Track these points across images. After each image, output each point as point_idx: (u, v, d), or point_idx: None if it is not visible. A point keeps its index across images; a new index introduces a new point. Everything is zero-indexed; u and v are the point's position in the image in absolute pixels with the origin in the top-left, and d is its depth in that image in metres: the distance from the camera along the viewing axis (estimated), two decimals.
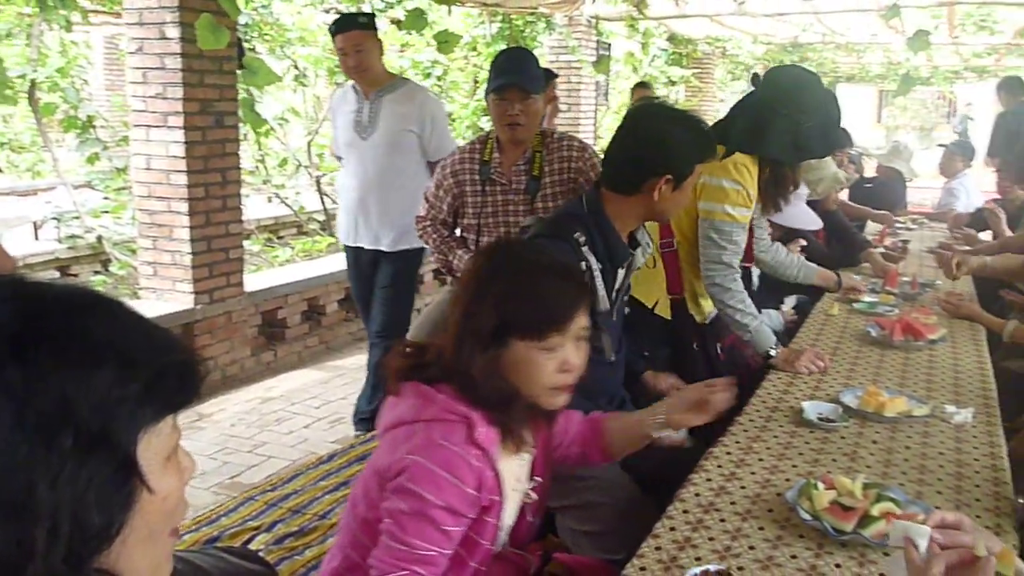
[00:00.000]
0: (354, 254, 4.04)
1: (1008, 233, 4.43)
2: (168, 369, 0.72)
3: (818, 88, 2.69)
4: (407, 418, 1.46)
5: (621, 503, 1.99)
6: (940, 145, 6.74)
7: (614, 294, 2.19)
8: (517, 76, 2.89)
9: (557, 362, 1.50)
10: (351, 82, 3.91)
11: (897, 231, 5.38)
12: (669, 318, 2.76)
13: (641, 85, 4.62)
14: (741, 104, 2.77)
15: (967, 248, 4.48)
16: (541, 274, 1.48)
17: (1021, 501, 2.12)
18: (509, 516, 1.57)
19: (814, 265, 3.50)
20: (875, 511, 1.61)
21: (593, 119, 9.49)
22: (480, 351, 1.45)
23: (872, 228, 5.44)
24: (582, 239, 2.09)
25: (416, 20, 3.76)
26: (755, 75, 2.79)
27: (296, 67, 8.10)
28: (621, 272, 2.20)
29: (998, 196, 5.18)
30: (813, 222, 3.80)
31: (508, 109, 2.90)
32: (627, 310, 2.38)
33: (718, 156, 2.51)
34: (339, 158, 4.15)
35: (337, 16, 3.92)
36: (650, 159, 2.11)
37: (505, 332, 1.45)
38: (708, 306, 2.78)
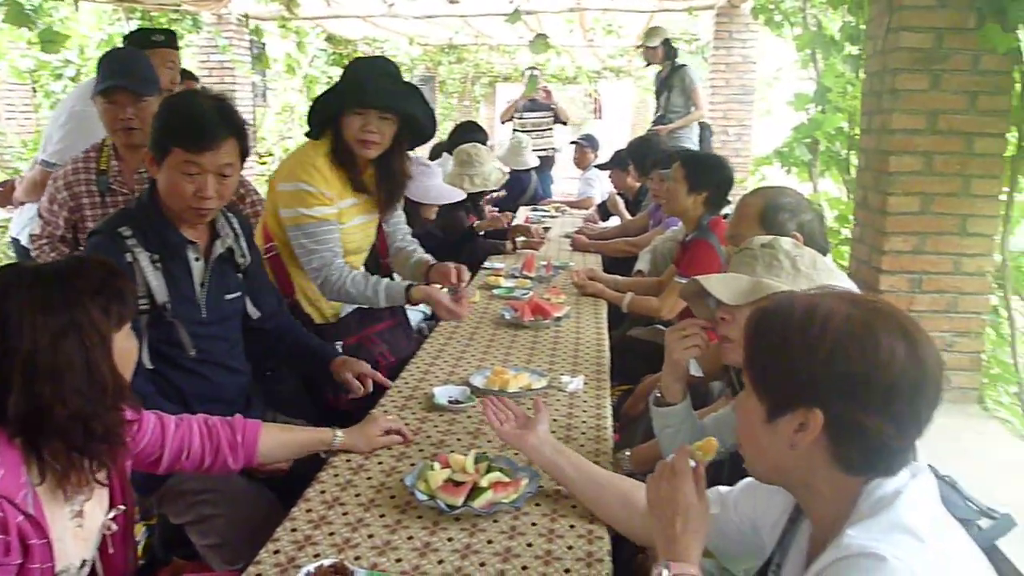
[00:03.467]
0: None
1: (628, 216, 4.96)
2: None
3: (361, 63, 2.76)
4: None
5: (245, 513, 1.94)
6: (572, 142, 7.36)
7: (199, 287, 2.13)
8: (125, 78, 2.72)
9: (133, 340, 1.52)
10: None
11: (542, 219, 5.81)
12: None
13: (187, 75, 4.57)
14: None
15: (597, 235, 4.95)
16: (96, 265, 1.46)
17: (627, 454, 2.39)
18: (73, 556, 1.46)
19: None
20: (484, 482, 1.72)
21: (252, 120, 9.21)
22: (105, 360, 1.39)
23: (521, 214, 5.84)
24: (127, 233, 2.03)
25: (18, 15, 3.39)
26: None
27: None
28: (198, 264, 2.14)
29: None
30: (453, 194, 4.00)
31: (119, 113, 2.73)
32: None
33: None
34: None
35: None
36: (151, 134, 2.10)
37: (109, 330, 1.41)
38: (328, 307, 2.79)
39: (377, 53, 12.39)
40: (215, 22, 8.53)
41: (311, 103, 2.69)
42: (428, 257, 2.91)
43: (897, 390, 1.09)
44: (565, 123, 8.15)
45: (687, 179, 3.34)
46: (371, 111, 2.54)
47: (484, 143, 5.38)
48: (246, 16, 8.43)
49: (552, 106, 8.07)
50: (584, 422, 2.21)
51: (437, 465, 1.78)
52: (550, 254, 4.55)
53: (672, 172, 3.46)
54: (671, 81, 6.43)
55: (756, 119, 8.31)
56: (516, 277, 3.85)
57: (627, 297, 3.52)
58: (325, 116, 2.61)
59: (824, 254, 2.28)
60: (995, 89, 3.28)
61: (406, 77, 11.30)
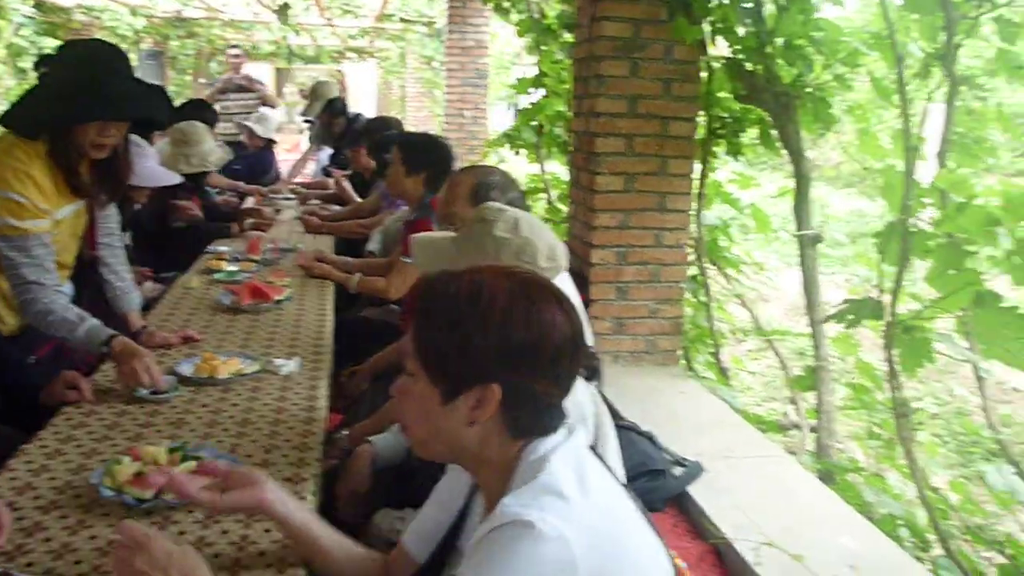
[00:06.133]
0: None
1: (356, 199, 4.96)
2: None
3: (79, 49, 2.44)
4: None
5: None
6: (307, 120, 7.22)
7: None
8: None
9: None
10: None
11: (274, 200, 5.65)
12: None
13: None
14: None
15: (328, 215, 4.90)
16: None
17: (345, 433, 2.40)
18: None
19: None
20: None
21: None
22: None
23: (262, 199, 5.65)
24: None
25: None
26: (39, 58, 2.49)
27: None
28: None
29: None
30: (168, 177, 3.77)
31: None
32: None
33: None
34: None
35: None
36: None
37: None
38: (11, 315, 2.51)
39: (95, 26, 11.45)
40: None
41: (24, 100, 2.34)
42: (135, 311, 2.70)
43: (561, 352, 1.18)
44: (274, 107, 7.89)
45: (404, 161, 3.39)
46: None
47: (213, 122, 5.15)
48: None
49: (258, 89, 7.81)
50: (296, 404, 2.18)
51: (127, 459, 1.68)
52: (281, 236, 4.44)
53: (392, 154, 3.50)
54: (349, 133, 6.23)
55: (492, 102, 8.57)
56: (240, 260, 3.72)
57: (355, 278, 3.51)
58: (53, 124, 2.30)
59: None
60: (686, 77, 3.60)
61: (131, 52, 10.33)
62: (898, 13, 2.74)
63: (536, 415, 1.19)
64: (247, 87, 7.67)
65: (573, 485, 1.12)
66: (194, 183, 4.51)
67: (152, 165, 3.67)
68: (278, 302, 3.04)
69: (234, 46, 8.27)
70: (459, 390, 1.17)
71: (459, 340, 1.16)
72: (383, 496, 2.10)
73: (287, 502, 1.43)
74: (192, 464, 1.69)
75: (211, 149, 4.40)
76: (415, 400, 1.21)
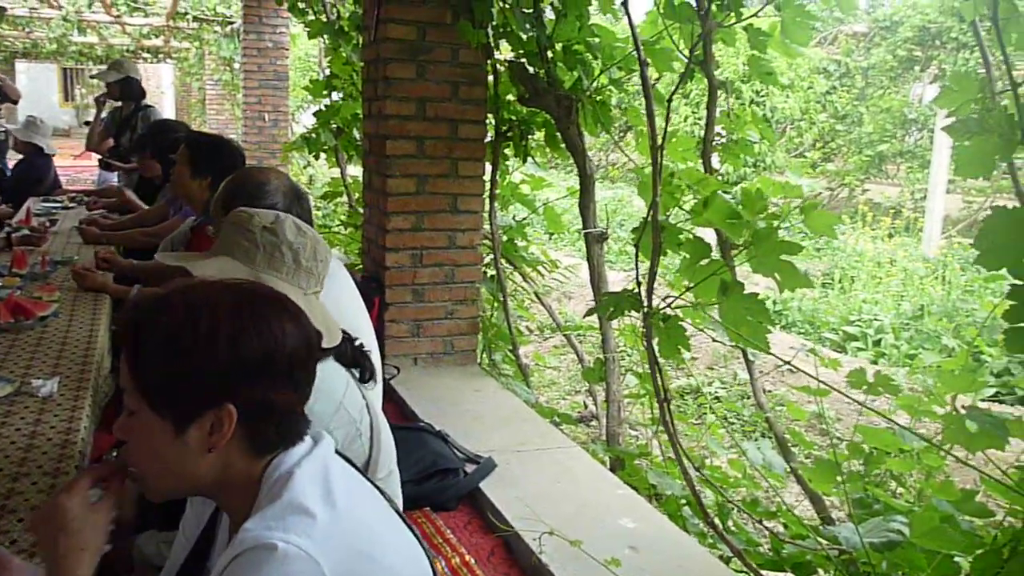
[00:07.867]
0: None
1: (143, 206, 4.72)
2: None
3: None
4: None
5: None
6: (87, 123, 6.79)
7: None
8: None
9: None
10: None
11: (51, 211, 5.28)
12: None
13: None
14: None
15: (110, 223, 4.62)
16: None
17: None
18: None
19: None
20: None
21: None
22: None
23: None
24: None
25: None
26: None
27: None
28: None
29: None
30: None
31: None
32: None
33: None
34: None
35: None
36: None
37: None
38: None
39: None
40: None
41: None
42: None
43: (295, 361, 1.14)
44: (15, 102, 7.36)
45: (191, 163, 3.24)
46: None
47: None
48: None
49: None
50: (53, 427, 2.04)
51: None
52: (56, 248, 4.15)
53: (178, 155, 3.33)
54: (133, 121, 5.99)
55: (304, 105, 8.37)
56: (3, 275, 3.43)
57: (133, 291, 3.32)
58: None
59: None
60: (473, 80, 3.66)
61: None
62: (662, 21, 2.90)
63: (279, 427, 1.15)
64: None
65: (319, 500, 1.08)
66: None
67: None
68: (42, 319, 2.83)
69: None
70: (191, 418, 1.10)
71: (184, 367, 1.09)
72: (155, 519, 2.01)
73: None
74: None
75: None
76: (143, 439, 1.13)
